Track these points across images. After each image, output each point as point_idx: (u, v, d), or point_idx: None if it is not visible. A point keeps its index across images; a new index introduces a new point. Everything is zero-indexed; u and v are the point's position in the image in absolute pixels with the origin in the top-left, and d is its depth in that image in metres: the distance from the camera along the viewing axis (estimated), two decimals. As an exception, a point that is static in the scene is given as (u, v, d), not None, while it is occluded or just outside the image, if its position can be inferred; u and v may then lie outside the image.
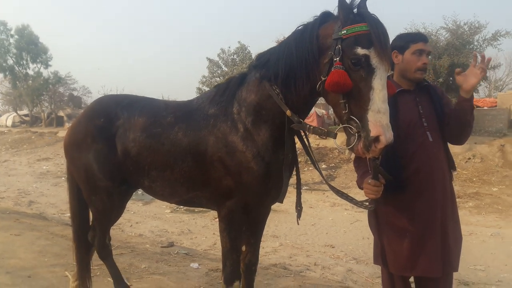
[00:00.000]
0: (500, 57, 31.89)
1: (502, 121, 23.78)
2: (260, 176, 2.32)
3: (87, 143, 2.83)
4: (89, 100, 40.85)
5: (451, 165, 2.49)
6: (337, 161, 19.06)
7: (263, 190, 2.40)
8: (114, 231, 6.25)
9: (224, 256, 2.51)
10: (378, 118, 1.86)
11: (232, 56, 28.19)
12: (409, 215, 2.35)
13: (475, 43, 20.56)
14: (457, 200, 9.67)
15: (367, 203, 2.28)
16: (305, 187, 14.57)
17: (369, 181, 2.16)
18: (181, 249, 5.79)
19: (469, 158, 18.33)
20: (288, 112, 2.22)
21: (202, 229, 8.85)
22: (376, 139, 1.85)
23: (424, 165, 2.34)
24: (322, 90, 2.08)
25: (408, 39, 2.45)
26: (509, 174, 16.63)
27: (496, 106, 27.58)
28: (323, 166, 18.46)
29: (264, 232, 9.82)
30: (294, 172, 2.55)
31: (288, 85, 2.22)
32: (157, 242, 6.32)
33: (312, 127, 2.27)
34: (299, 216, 2.44)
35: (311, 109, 2.46)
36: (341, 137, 2.15)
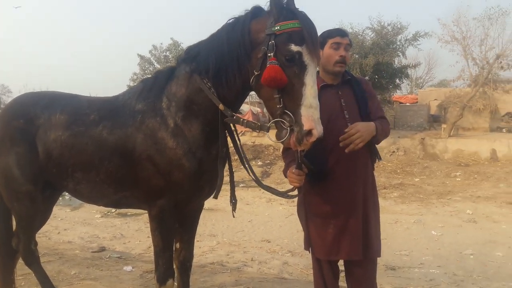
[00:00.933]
0: (420, 57, 34.13)
1: (422, 116, 25.61)
2: (192, 173, 2.29)
3: (6, 146, 2.66)
4: (9, 100, 37.79)
5: (374, 155, 2.62)
6: (272, 157, 19.43)
7: (195, 187, 2.37)
8: (40, 239, 5.87)
9: (157, 255, 2.45)
10: (310, 113, 1.92)
11: (164, 53, 27.63)
12: (333, 203, 2.46)
13: (398, 43, 21.94)
14: (383, 191, 10.21)
15: (291, 193, 2.39)
16: (241, 185, 14.61)
17: (293, 170, 2.27)
18: (113, 253, 5.58)
19: (394, 151, 19.55)
20: (221, 106, 2.21)
21: (135, 233, 8.59)
22: (309, 133, 1.92)
23: (346, 155, 2.43)
24: (255, 85, 2.09)
25: (325, 35, 2.54)
26: (429, 165, 17.98)
27: (417, 102, 29.60)
28: (259, 163, 18.70)
29: (201, 232, 9.69)
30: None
31: (220, 79, 2.21)
32: (88, 248, 6.04)
33: (245, 120, 2.28)
34: (234, 209, 2.43)
35: (242, 103, 2.48)
36: (274, 131, 2.19)
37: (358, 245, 2.44)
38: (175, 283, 2.66)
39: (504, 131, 22.96)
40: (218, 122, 2.28)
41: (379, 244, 2.56)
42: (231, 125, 2.40)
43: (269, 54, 1.97)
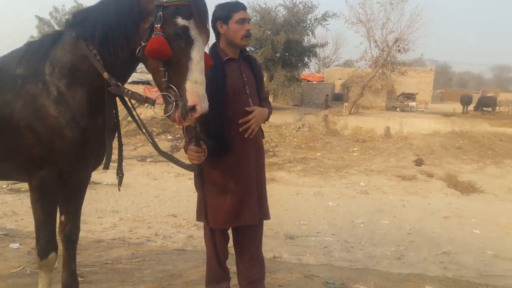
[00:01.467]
0: (328, 36, 35.71)
1: (327, 94, 27.00)
2: (75, 143, 2.19)
3: None
4: None
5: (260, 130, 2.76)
6: (182, 132, 19.20)
7: (79, 157, 2.27)
8: None
9: (38, 228, 2.34)
10: (195, 88, 1.93)
11: (66, 16, 25.66)
12: (233, 174, 2.55)
13: (308, 22, 22.69)
14: (288, 164, 10.75)
15: (194, 166, 2.38)
16: (149, 159, 14.35)
17: (191, 147, 2.27)
18: (-1, 230, 5.16)
19: (299, 127, 20.47)
20: (106, 75, 2.13)
21: (29, 210, 7.98)
22: (193, 108, 1.92)
23: (246, 128, 2.53)
24: (141, 56, 2.05)
25: (229, 9, 2.56)
26: (330, 141, 19.16)
27: (323, 80, 31.11)
28: (169, 137, 18.39)
29: (103, 208, 9.29)
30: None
31: (106, 47, 2.13)
32: (-31, 227, 5.52)
33: (130, 92, 2.22)
34: (120, 183, 2.39)
35: (131, 74, 2.40)
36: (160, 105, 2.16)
37: (255, 211, 2.58)
38: (61, 258, 2.57)
39: (398, 110, 25.27)
40: (104, 91, 2.19)
41: (268, 208, 2.73)
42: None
43: (156, 26, 1.95)
